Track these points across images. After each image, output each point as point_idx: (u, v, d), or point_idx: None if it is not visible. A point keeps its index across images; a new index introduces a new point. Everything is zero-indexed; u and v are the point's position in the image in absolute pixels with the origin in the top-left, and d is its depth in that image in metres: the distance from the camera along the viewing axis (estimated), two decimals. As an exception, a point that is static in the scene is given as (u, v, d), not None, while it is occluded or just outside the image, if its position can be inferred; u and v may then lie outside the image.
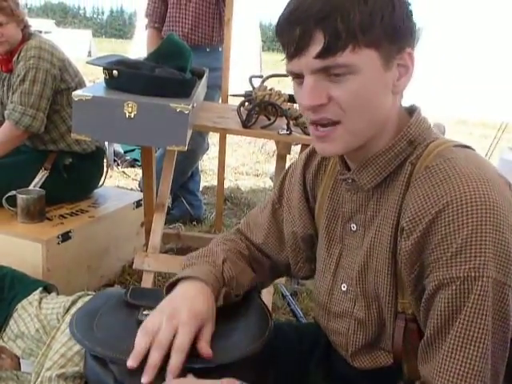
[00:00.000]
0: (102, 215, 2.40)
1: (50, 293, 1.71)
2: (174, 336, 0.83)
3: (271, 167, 4.66)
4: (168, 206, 2.50)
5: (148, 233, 2.13)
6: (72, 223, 2.22)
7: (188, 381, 0.80)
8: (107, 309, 0.98)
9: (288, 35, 0.79)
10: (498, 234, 0.74)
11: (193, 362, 0.83)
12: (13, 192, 2.18)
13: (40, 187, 2.29)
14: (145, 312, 0.94)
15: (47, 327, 1.54)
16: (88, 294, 1.62)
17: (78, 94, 1.60)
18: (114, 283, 2.42)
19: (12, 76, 2.32)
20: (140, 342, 0.83)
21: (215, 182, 3.23)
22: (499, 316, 0.75)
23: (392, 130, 0.87)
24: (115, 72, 1.69)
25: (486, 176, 0.78)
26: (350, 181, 0.92)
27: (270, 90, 2.00)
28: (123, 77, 1.70)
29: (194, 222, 3.22)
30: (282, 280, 1.95)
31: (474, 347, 0.74)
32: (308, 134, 1.89)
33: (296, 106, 2.14)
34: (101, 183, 2.61)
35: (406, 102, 0.91)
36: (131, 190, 3.64)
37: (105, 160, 2.65)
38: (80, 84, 2.41)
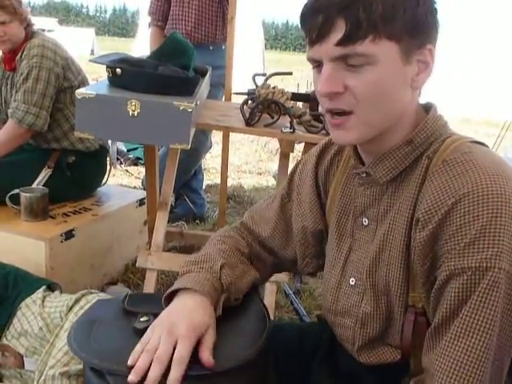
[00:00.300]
0: (106, 213, 2.40)
1: (53, 291, 1.71)
2: (174, 349, 0.83)
3: (274, 166, 4.66)
4: (171, 205, 2.50)
5: (151, 231, 2.13)
6: (75, 221, 2.22)
7: None
8: (105, 318, 0.97)
9: (311, 22, 0.80)
10: None
11: (189, 369, 0.81)
12: (16, 190, 2.18)
13: (43, 185, 2.29)
14: (142, 319, 0.93)
15: (50, 325, 1.54)
16: (91, 293, 1.62)
17: (81, 91, 1.60)
18: (117, 281, 2.42)
19: (15, 74, 2.32)
20: (141, 358, 0.82)
21: (218, 181, 3.23)
22: (509, 309, 0.75)
23: (409, 125, 0.87)
24: (118, 70, 1.69)
25: (502, 171, 0.78)
26: (364, 174, 0.92)
27: (274, 88, 2.00)
28: (126, 75, 1.70)
29: (197, 221, 3.22)
30: (285, 279, 1.95)
31: (477, 336, 0.74)
32: (311, 132, 1.89)
33: (299, 104, 2.14)
34: (104, 181, 2.61)
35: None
36: (134, 188, 3.65)
37: (108, 158, 2.65)
38: (83, 82, 2.41)
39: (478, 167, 0.78)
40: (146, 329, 0.90)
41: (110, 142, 3.55)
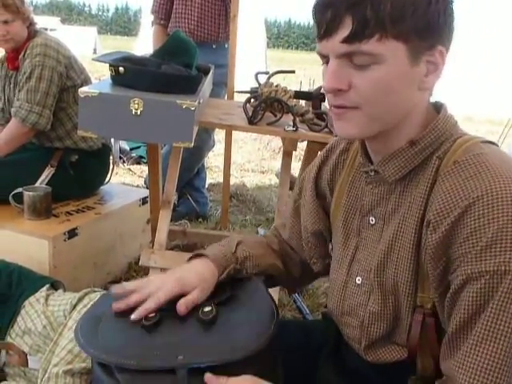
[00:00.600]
0: (109, 212, 2.40)
1: (56, 289, 1.72)
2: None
3: (277, 164, 4.66)
4: (174, 203, 2.51)
5: (154, 230, 2.14)
6: (78, 220, 2.23)
7: (247, 379, 0.82)
8: (110, 315, 0.98)
9: (320, 17, 0.80)
10: None
11: (198, 361, 0.82)
12: (19, 189, 2.19)
13: (46, 184, 2.29)
14: (149, 315, 0.94)
15: (54, 324, 1.55)
16: (94, 291, 1.63)
17: (84, 90, 1.60)
18: (120, 280, 2.42)
19: (18, 73, 2.32)
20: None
21: (221, 179, 3.23)
22: None
23: (419, 125, 0.86)
24: (121, 69, 1.69)
25: None
26: (372, 173, 0.92)
27: (276, 86, 2.00)
28: (129, 73, 1.70)
29: (200, 219, 3.22)
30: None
31: (500, 341, 0.74)
32: (314, 131, 1.89)
33: (302, 102, 2.14)
34: (107, 180, 2.62)
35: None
36: (137, 186, 3.65)
37: (111, 157, 2.66)
38: (86, 81, 2.41)
39: (491, 169, 0.77)
40: (153, 324, 0.91)
41: (112, 140, 3.56)
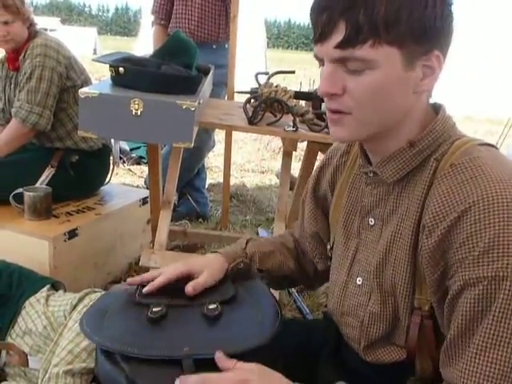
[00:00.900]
0: (109, 212, 2.40)
1: (57, 290, 1.72)
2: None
3: (277, 164, 4.66)
4: (174, 204, 2.51)
5: (154, 230, 2.14)
6: (79, 220, 2.23)
7: (254, 367, 0.82)
8: (116, 308, 0.98)
9: (316, 19, 0.80)
10: None
11: (204, 353, 0.83)
12: (20, 189, 2.19)
13: (47, 185, 2.29)
14: (155, 309, 0.94)
15: (54, 324, 1.55)
16: (95, 291, 1.63)
17: (84, 91, 1.60)
18: (120, 280, 2.42)
19: (19, 74, 2.32)
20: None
21: (221, 180, 3.23)
22: None
23: (416, 127, 0.86)
24: (121, 69, 1.69)
25: (511, 177, 0.77)
26: (371, 174, 0.92)
27: (276, 86, 2.00)
28: (129, 74, 1.70)
29: (200, 219, 3.22)
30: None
31: (504, 348, 0.73)
32: (314, 131, 1.89)
33: (302, 102, 2.14)
34: (107, 181, 2.62)
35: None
36: (137, 187, 3.65)
37: (111, 157, 2.66)
38: (86, 82, 2.41)
39: (487, 173, 0.77)
40: (159, 318, 0.92)
41: (112, 141, 3.56)
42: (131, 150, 4.47)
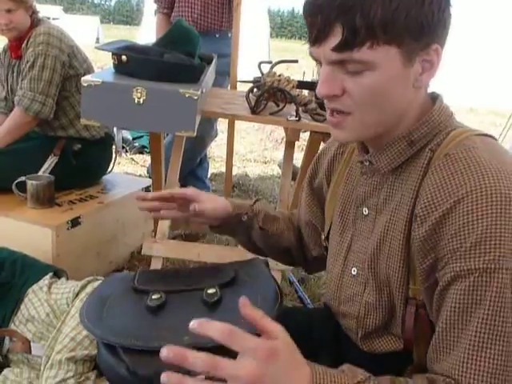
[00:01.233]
0: (111, 201, 2.41)
1: (59, 278, 1.73)
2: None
3: (279, 154, 4.66)
4: (176, 193, 2.50)
5: (156, 219, 2.14)
6: (81, 209, 2.24)
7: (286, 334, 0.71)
8: (116, 296, 0.99)
9: (310, 20, 0.78)
10: None
11: (204, 342, 0.84)
12: (22, 178, 2.19)
13: (49, 173, 2.30)
14: (154, 296, 0.94)
15: (57, 311, 1.56)
16: (97, 279, 1.63)
17: (87, 79, 1.60)
18: (122, 269, 2.43)
19: (21, 62, 2.32)
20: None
21: (223, 169, 3.23)
22: None
23: (413, 117, 0.85)
24: (124, 57, 1.69)
25: (506, 168, 0.76)
26: (367, 163, 0.92)
27: (279, 75, 1.99)
28: (132, 62, 1.69)
29: (202, 209, 3.22)
30: (289, 267, 1.95)
31: (501, 342, 0.73)
32: (317, 121, 1.89)
33: (305, 92, 2.13)
34: (109, 169, 2.62)
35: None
36: (140, 176, 3.65)
37: (113, 146, 2.66)
38: (89, 70, 2.41)
39: (481, 164, 0.76)
40: (158, 306, 0.91)
41: (115, 130, 3.56)
42: (134, 139, 4.46)
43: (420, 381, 0.77)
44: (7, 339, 1.56)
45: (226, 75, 2.80)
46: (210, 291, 0.96)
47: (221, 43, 2.87)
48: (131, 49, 1.78)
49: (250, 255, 1.23)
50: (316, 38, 0.78)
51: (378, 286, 0.91)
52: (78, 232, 2.16)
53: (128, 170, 3.93)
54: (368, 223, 0.94)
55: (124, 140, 4.35)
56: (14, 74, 2.39)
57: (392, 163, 0.88)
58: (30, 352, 1.54)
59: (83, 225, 2.18)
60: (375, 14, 0.73)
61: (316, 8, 0.77)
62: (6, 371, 1.52)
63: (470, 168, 0.77)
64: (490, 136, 0.86)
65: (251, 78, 2.19)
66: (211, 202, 1.11)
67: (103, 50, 1.80)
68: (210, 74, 2.09)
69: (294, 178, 2.73)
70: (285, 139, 2.36)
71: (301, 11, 0.82)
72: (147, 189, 2.59)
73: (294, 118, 1.85)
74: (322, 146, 2.21)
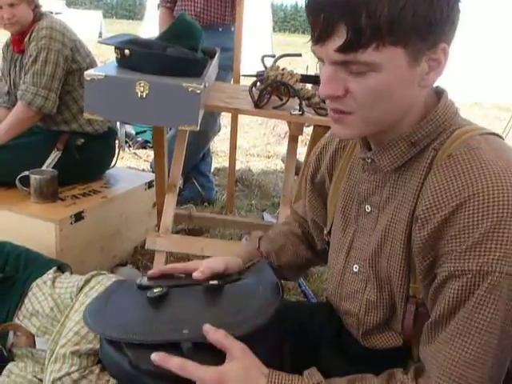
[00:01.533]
0: (115, 196, 2.41)
1: (63, 272, 1.73)
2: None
3: (282, 149, 4.65)
4: (179, 188, 2.51)
5: (160, 213, 2.14)
6: (84, 203, 2.24)
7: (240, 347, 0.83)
8: (118, 293, 1.00)
9: (313, 19, 0.76)
10: None
11: (202, 336, 0.84)
12: (26, 172, 2.19)
13: (53, 168, 2.30)
14: (155, 290, 0.95)
15: (61, 306, 1.56)
16: (101, 273, 1.64)
17: (90, 73, 1.59)
18: (126, 263, 2.44)
19: (24, 56, 2.32)
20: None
21: (226, 164, 3.23)
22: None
23: (418, 115, 0.84)
24: (127, 51, 1.69)
25: (510, 170, 0.75)
26: (369, 161, 0.91)
27: (283, 69, 1.98)
28: (135, 56, 1.69)
29: (206, 204, 3.22)
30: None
31: (473, 337, 0.74)
32: (320, 115, 1.88)
33: (308, 86, 2.12)
34: (113, 164, 2.62)
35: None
36: (143, 171, 3.65)
37: (116, 141, 2.66)
38: (91, 65, 2.40)
39: (484, 166, 0.75)
40: (158, 297, 0.92)
41: (118, 124, 3.55)
42: (137, 133, 4.46)
43: (382, 375, 0.82)
44: (11, 333, 1.57)
45: (229, 69, 2.79)
46: (212, 282, 0.97)
47: (224, 37, 2.86)
48: (134, 43, 1.78)
49: None
50: (319, 37, 0.75)
51: (379, 284, 0.91)
52: (81, 226, 2.16)
53: (131, 165, 3.93)
54: (370, 221, 0.93)
55: (127, 134, 4.35)
56: (17, 69, 2.39)
57: (394, 163, 0.86)
58: (35, 346, 1.55)
59: (87, 219, 2.18)
60: (381, 12, 0.70)
61: (318, 6, 0.74)
62: (10, 365, 1.53)
63: (473, 170, 0.76)
64: (497, 134, 0.85)
65: (254, 72, 2.18)
66: (221, 262, 1.06)
67: (106, 43, 1.80)
68: (213, 68, 2.08)
69: (297, 173, 2.72)
70: (288, 133, 2.35)
71: (304, 5, 0.80)
72: (150, 183, 2.59)
73: (297, 112, 1.84)
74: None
